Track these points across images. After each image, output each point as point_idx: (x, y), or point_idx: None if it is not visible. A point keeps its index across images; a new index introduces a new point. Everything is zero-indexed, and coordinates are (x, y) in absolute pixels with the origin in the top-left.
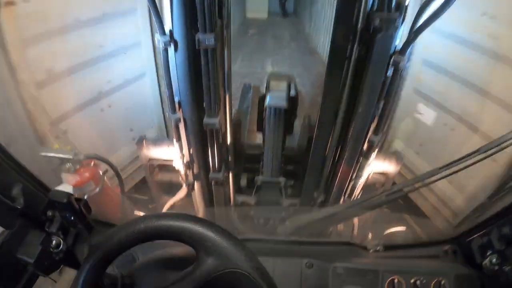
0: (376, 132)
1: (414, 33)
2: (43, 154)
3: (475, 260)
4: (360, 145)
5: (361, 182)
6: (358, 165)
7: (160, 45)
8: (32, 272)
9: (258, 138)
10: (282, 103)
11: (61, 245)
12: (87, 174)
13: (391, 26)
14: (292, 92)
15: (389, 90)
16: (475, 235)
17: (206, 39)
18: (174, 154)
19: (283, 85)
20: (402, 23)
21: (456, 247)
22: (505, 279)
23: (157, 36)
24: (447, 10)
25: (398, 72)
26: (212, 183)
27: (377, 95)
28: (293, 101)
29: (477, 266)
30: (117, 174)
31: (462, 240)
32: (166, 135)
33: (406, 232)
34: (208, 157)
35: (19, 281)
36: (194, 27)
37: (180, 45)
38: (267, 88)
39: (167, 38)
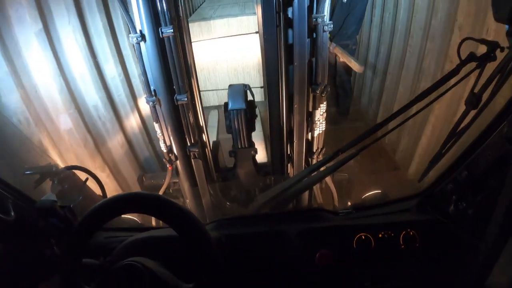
0: (316, 82)
1: None
2: (27, 172)
3: (441, 208)
4: (304, 95)
5: (318, 133)
6: (311, 117)
7: (133, 41)
8: (33, 280)
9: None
10: (241, 105)
11: (55, 251)
12: (68, 184)
13: None
14: (249, 96)
15: (318, 45)
16: (439, 185)
17: (167, 30)
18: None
19: (240, 91)
20: None
21: (423, 199)
22: (470, 221)
23: (131, 35)
24: None
25: (320, 28)
26: (191, 157)
27: (306, 48)
28: (250, 104)
29: (444, 214)
30: (98, 181)
31: (428, 192)
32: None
33: (380, 194)
34: (184, 134)
35: None
36: (158, 24)
37: (148, 38)
38: (228, 96)
39: (138, 34)
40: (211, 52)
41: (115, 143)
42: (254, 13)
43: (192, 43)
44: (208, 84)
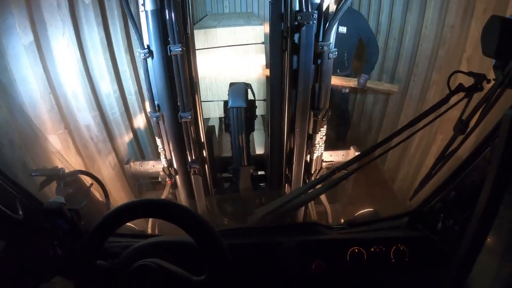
0: (318, 107)
1: (329, 23)
2: (34, 174)
3: (430, 226)
4: (306, 119)
5: (317, 156)
6: (311, 140)
7: (140, 57)
8: (34, 280)
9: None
10: (242, 103)
11: (58, 252)
12: (73, 188)
13: (310, 20)
14: (250, 96)
15: (322, 71)
16: (428, 204)
17: (176, 48)
18: (159, 170)
19: (241, 89)
20: (321, 17)
21: (413, 217)
22: (456, 237)
23: (138, 50)
24: (347, 7)
25: (325, 55)
26: (191, 173)
27: (311, 74)
28: (251, 103)
29: (433, 231)
30: (102, 186)
31: (418, 211)
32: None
33: (373, 212)
34: (186, 150)
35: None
36: (166, 41)
37: (156, 55)
38: (229, 94)
39: (146, 50)
40: (214, 61)
41: (107, 164)
42: (261, 24)
43: (196, 51)
44: (209, 94)
